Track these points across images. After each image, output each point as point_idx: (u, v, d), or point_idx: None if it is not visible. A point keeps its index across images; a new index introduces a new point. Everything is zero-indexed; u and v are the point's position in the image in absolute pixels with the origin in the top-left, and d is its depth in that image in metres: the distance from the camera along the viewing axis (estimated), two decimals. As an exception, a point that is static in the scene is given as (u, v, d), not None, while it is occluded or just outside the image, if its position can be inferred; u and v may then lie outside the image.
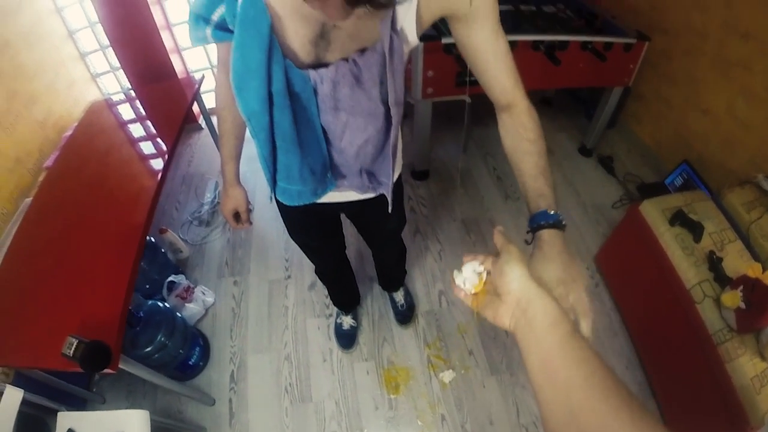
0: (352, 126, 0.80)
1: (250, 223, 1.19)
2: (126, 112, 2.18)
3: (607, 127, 2.52)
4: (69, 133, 2.40)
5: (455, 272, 0.56)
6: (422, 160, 2.42)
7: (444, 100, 2.05)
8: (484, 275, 0.55)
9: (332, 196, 1.00)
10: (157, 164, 1.74)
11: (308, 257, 1.45)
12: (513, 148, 0.74)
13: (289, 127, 0.76)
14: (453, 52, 1.82)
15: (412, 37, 0.71)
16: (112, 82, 2.92)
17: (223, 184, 1.10)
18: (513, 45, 1.87)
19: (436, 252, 2.09)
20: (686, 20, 2.20)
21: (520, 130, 0.74)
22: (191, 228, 2.27)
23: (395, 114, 0.77)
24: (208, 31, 0.68)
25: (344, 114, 0.77)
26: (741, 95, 1.97)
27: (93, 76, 2.84)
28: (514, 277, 0.49)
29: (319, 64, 0.71)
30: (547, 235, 0.63)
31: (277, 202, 1.07)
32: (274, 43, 0.66)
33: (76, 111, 2.64)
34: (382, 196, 1.01)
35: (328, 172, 0.91)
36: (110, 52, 2.63)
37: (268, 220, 2.26)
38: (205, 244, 2.20)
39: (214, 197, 2.33)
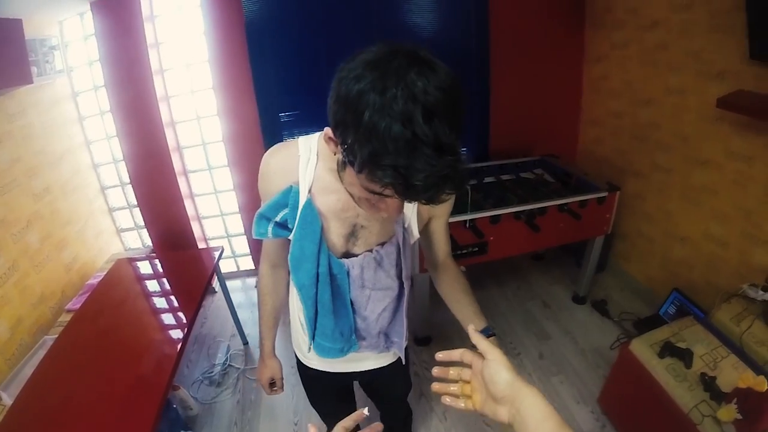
0: (374, 298, 1.01)
1: (283, 389, 1.31)
2: (147, 271, 2.35)
3: (597, 271, 2.66)
4: (92, 280, 2.55)
5: None
6: (423, 326, 2.49)
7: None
8: None
9: (349, 366, 1.17)
10: (177, 331, 1.84)
11: (322, 420, 1.51)
12: (451, 295, 1.04)
13: (328, 298, 0.97)
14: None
15: (416, 232, 1.00)
16: (134, 238, 3.15)
17: (261, 355, 1.24)
18: (497, 218, 2.10)
19: (440, 413, 2.12)
20: (652, 161, 2.46)
21: (455, 284, 1.05)
22: (201, 387, 2.31)
23: (407, 286, 1.04)
24: (270, 228, 0.91)
25: (368, 290, 0.99)
26: (713, 218, 2.15)
27: (118, 230, 3.07)
28: (505, 383, 0.61)
29: (349, 254, 0.95)
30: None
31: (300, 371, 1.27)
32: (322, 239, 0.90)
33: (99, 260, 2.83)
34: (392, 366, 1.22)
35: (353, 334, 1.08)
36: (136, 211, 2.89)
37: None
38: (215, 404, 2.22)
39: (226, 359, 2.40)
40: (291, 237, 0.92)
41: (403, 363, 1.22)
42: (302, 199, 0.87)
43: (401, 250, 0.96)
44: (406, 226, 0.96)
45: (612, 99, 2.72)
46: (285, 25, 2.40)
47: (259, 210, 0.91)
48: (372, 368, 1.22)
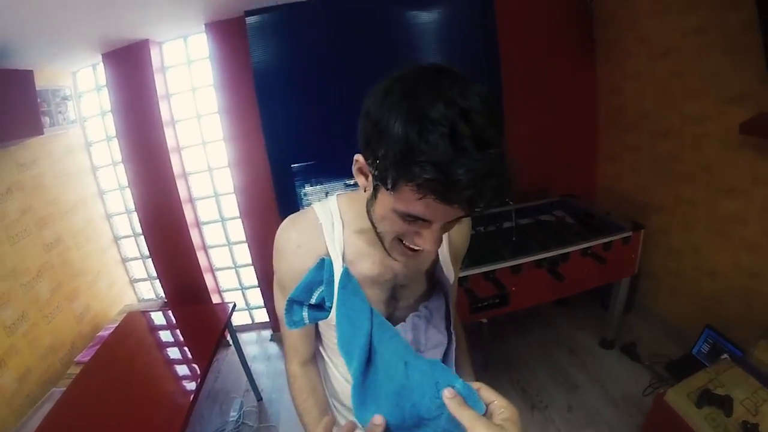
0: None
1: None
2: (161, 323, 2.31)
3: (624, 313, 2.54)
4: (103, 332, 2.51)
5: None
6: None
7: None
8: None
9: None
10: (189, 385, 1.80)
11: None
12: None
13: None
14: (464, 285, 1.94)
15: (453, 278, 0.91)
16: (148, 289, 3.12)
17: None
18: (519, 268, 2.00)
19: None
20: (675, 194, 2.36)
21: (460, 344, 0.96)
22: (214, 445, 2.23)
23: (455, 334, 0.92)
24: (305, 314, 0.80)
25: (421, 352, 0.85)
26: (743, 249, 2.05)
27: (131, 281, 3.05)
28: None
29: (391, 319, 0.83)
30: None
31: None
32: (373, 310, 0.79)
33: (112, 311, 2.79)
34: None
35: None
36: (150, 262, 2.87)
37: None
38: (227, 465, 2.14)
39: (239, 417, 2.33)
40: (333, 321, 0.79)
41: None
42: (338, 270, 0.77)
43: (449, 300, 0.88)
44: (446, 272, 0.88)
45: (629, 132, 2.65)
46: (294, 73, 2.39)
47: (289, 296, 0.78)
48: None
